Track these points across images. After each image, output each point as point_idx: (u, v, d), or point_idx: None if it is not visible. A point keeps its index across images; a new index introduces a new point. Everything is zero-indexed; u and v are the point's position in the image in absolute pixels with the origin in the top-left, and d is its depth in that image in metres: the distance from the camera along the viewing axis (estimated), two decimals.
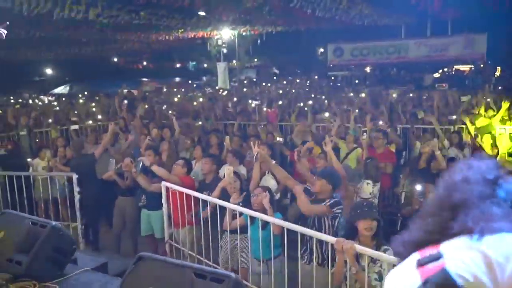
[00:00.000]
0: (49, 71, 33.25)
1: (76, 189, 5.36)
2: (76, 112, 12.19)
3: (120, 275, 3.37)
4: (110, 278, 3.25)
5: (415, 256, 0.81)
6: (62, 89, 27.86)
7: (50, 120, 10.04)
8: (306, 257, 3.55)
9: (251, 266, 3.55)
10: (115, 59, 35.08)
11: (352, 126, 7.76)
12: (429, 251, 0.80)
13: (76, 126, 9.19)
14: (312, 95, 15.36)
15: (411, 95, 14.37)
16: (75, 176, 5.35)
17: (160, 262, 2.37)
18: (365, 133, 6.37)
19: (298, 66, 33.55)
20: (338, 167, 4.54)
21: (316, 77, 27.86)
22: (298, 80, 26.72)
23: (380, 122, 7.76)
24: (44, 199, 6.04)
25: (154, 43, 23.70)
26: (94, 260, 3.69)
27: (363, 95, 13.78)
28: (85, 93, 22.72)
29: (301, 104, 10.97)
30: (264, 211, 3.70)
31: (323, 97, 14.49)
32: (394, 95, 13.07)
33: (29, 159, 6.94)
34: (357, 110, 9.19)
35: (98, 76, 29.43)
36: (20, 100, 18.71)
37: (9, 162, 6.75)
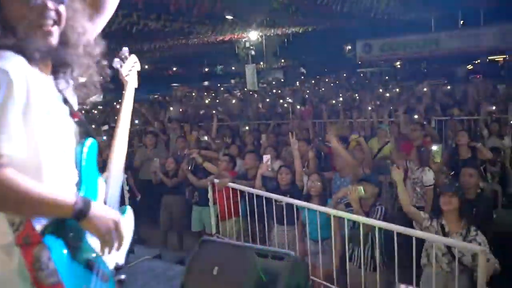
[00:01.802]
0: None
1: (126, 188, 5.65)
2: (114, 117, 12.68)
3: (177, 263, 3.62)
4: (169, 265, 3.51)
5: None
6: (96, 97, 28.86)
7: (93, 126, 10.53)
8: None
9: (309, 247, 3.70)
10: (146, 66, 36.01)
11: (385, 121, 7.82)
12: None
13: (106, 127, 9.59)
14: (340, 94, 15.38)
15: (444, 87, 14.18)
16: (124, 176, 5.64)
17: (222, 245, 2.57)
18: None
19: (326, 64, 33.45)
20: (347, 159, 4.68)
21: (344, 74, 27.75)
22: (326, 80, 26.66)
23: (416, 116, 7.77)
24: None
25: (183, 48, 24.20)
26: (148, 251, 3.96)
27: (397, 90, 13.71)
28: (119, 100, 23.43)
29: (333, 102, 11.05)
30: (320, 196, 3.91)
31: (355, 94, 14.47)
32: (426, 89, 12.93)
33: None
34: (391, 107, 9.21)
35: None
36: None
37: None
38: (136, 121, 11.61)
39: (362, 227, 3.29)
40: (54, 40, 1.18)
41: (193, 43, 21.89)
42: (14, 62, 1.06)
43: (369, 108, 9.35)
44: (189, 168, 5.37)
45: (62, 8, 1.19)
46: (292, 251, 4.09)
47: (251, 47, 24.36)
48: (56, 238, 1.10)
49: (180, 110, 12.20)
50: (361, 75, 28.10)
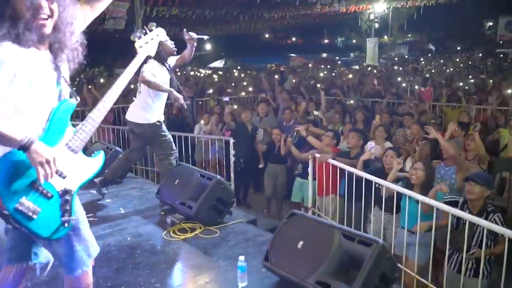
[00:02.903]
0: (207, 46, 36.46)
1: (232, 152, 5.94)
2: (232, 84, 13.26)
3: (268, 231, 3.74)
4: (261, 231, 3.64)
5: None
6: (218, 63, 30.45)
7: (210, 91, 11.15)
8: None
9: (405, 237, 3.52)
10: (266, 35, 36.57)
11: None
12: None
13: (227, 98, 10.01)
14: (471, 76, 13.82)
15: None
16: (231, 141, 5.91)
17: (311, 220, 2.58)
18: None
19: (459, 42, 30.27)
20: (447, 148, 4.36)
21: (480, 54, 24.84)
22: (457, 60, 24.18)
23: None
24: (203, 160, 6.84)
25: (304, 18, 23.91)
26: (245, 215, 4.15)
27: None
28: (238, 67, 24.43)
29: (460, 84, 10.02)
30: (423, 185, 3.68)
31: (490, 79, 12.89)
32: None
33: (195, 125, 7.86)
34: None
35: (250, 52, 31.25)
36: (185, 73, 21.04)
37: (174, 125, 7.77)
38: (251, 88, 12.01)
39: (468, 226, 2.98)
40: (48, 29, 1.68)
41: (314, 13, 21.46)
42: (6, 48, 1.59)
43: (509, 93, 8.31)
44: (294, 140, 5.41)
45: (55, 5, 1.68)
46: (388, 238, 3.98)
47: (376, 20, 23.08)
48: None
49: (294, 81, 12.22)
50: (501, 56, 24.85)
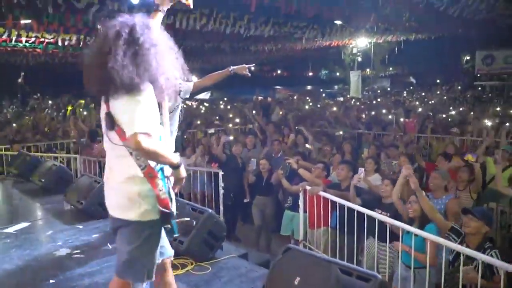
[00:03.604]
0: (194, 79, 36.85)
1: (221, 184, 5.89)
2: (217, 116, 13.32)
3: (260, 265, 3.66)
4: (253, 265, 3.56)
5: None
6: (204, 95, 30.66)
7: (198, 122, 11.17)
8: None
9: (399, 270, 3.48)
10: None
11: (503, 142, 7.02)
12: None
13: (212, 130, 10.04)
14: (451, 107, 14.19)
15: None
16: (220, 173, 5.87)
17: (307, 255, 2.53)
18: None
19: (439, 75, 31.24)
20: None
21: (459, 87, 25.62)
22: (438, 92, 24.87)
23: None
24: (191, 192, 6.75)
25: (289, 52, 24.46)
26: (236, 249, 4.06)
27: None
28: (225, 99, 24.64)
29: (443, 116, 10.27)
30: (422, 218, 3.64)
31: (470, 110, 13.25)
32: None
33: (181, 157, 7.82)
34: (507, 124, 8.28)
35: (236, 83, 31.62)
36: None
37: None
38: (237, 120, 12.07)
39: (462, 262, 2.89)
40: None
41: (299, 47, 22.01)
42: (149, 88, 1.98)
43: (487, 125, 8.52)
44: (285, 173, 5.39)
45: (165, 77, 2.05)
46: (381, 269, 3.93)
47: (358, 54, 23.75)
48: (162, 175, 2.04)
49: (280, 112, 12.35)
50: (479, 88, 25.67)
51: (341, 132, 8.87)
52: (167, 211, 2.00)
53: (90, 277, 3.22)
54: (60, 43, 16.76)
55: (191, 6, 2.53)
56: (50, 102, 23.42)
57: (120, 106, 1.92)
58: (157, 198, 1.98)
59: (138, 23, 1.96)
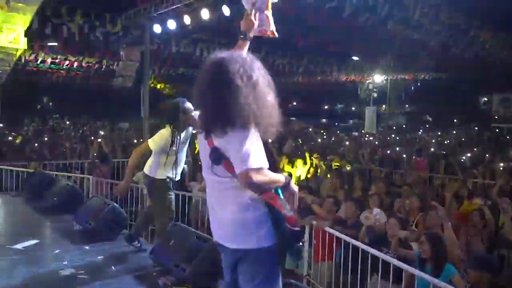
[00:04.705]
0: None
1: None
2: None
3: None
4: None
5: None
6: None
7: None
8: None
9: None
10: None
11: None
12: None
13: None
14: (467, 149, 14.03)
15: None
16: None
17: None
18: None
19: (455, 115, 31.09)
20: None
21: (475, 128, 25.43)
22: (454, 132, 24.68)
23: None
24: (198, 218, 6.77)
25: (305, 85, 24.78)
26: None
27: None
28: None
29: (458, 156, 10.19)
30: (435, 258, 3.55)
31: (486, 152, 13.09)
32: None
33: (191, 182, 7.88)
34: None
35: None
36: None
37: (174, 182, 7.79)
38: None
39: None
40: None
41: (316, 81, 22.32)
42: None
43: (501, 167, 8.43)
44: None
45: None
46: None
47: (374, 90, 23.94)
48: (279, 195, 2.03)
49: (293, 144, 12.41)
50: (497, 130, 25.42)
51: (348, 168, 8.85)
52: (297, 228, 1.96)
53: None
54: (83, 65, 17.38)
55: (276, 36, 2.44)
56: (67, 122, 24.01)
57: (231, 142, 1.89)
58: (285, 218, 1.94)
59: (250, 59, 1.94)
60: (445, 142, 17.73)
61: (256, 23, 2.32)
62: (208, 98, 1.91)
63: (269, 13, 2.37)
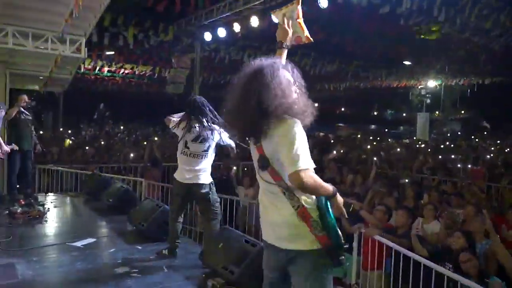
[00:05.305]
0: None
1: None
2: None
3: None
4: None
5: None
6: None
7: None
8: None
9: None
10: (316, 104, 37.32)
11: None
12: None
13: None
14: None
15: None
16: None
17: None
18: None
19: None
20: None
21: None
22: None
23: None
24: (246, 223, 6.82)
25: (355, 90, 24.34)
26: None
27: None
28: None
29: None
30: (480, 274, 3.45)
31: None
32: None
33: (238, 187, 7.97)
34: None
35: None
36: None
37: (223, 186, 7.91)
38: None
39: None
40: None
41: (365, 86, 21.89)
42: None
43: None
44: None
45: None
46: None
47: (427, 95, 23.08)
48: (326, 205, 2.03)
49: (341, 151, 12.23)
50: None
51: (406, 180, 8.52)
52: (327, 246, 1.98)
53: None
54: (137, 72, 18.13)
55: (312, 40, 2.50)
56: (122, 127, 25.09)
57: (279, 144, 1.96)
58: (316, 238, 1.98)
59: (287, 65, 2.10)
60: (506, 150, 16.76)
61: (290, 31, 2.41)
62: (250, 101, 1.97)
63: (301, 21, 2.46)
